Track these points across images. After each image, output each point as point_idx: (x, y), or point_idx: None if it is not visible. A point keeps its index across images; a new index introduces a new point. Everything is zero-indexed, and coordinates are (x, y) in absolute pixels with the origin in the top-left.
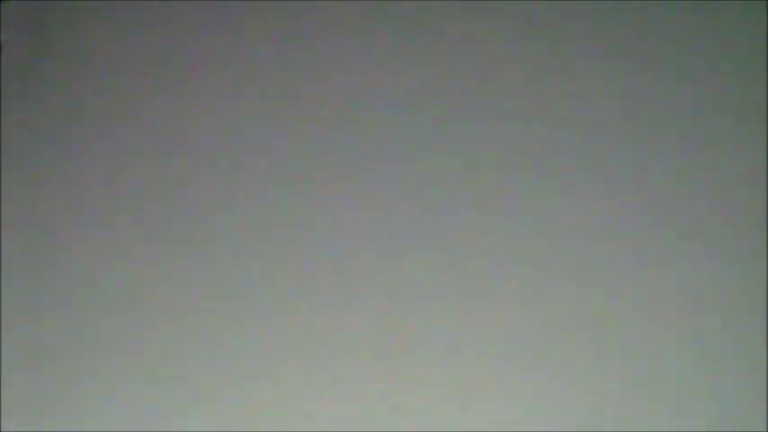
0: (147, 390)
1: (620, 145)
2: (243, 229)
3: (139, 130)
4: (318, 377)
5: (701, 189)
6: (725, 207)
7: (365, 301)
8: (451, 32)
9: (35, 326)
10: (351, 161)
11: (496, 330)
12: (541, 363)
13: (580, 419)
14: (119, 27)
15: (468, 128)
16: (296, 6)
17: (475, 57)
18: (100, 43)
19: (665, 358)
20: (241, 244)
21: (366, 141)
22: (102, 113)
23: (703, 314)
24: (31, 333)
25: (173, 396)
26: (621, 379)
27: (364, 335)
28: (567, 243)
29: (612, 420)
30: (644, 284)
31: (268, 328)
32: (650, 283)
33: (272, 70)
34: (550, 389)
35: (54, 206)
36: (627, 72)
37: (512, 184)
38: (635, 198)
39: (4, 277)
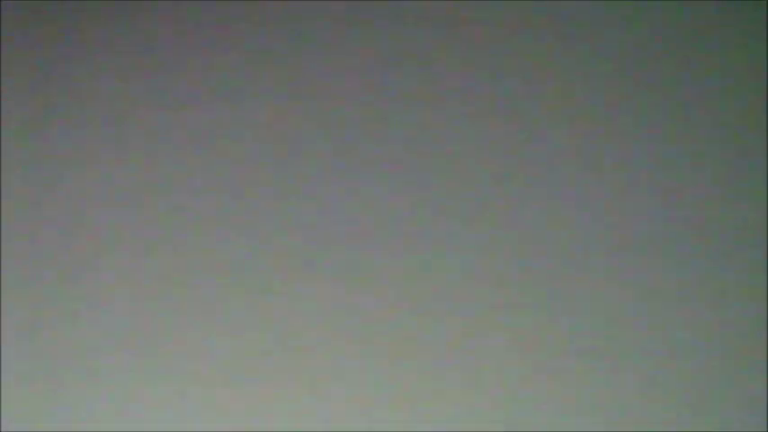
0: (147, 389)
1: (621, 145)
2: (243, 230)
3: (140, 130)
4: (319, 376)
5: (701, 189)
6: (725, 207)
7: (363, 301)
8: (451, 32)
9: (35, 326)
10: (349, 161)
11: (495, 330)
12: (539, 363)
13: (579, 420)
14: (118, 27)
15: (467, 128)
16: (296, 6)
17: (474, 57)
18: (100, 43)
19: (665, 358)
20: (241, 244)
21: (364, 141)
22: (102, 113)
23: (703, 314)
24: (31, 333)
25: (173, 396)
26: (621, 379)
27: (362, 335)
28: (566, 243)
29: (612, 420)
30: (643, 285)
31: (267, 329)
32: (650, 284)
33: (272, 70)
34: (549, 389)
35: (54, 206)
36: (626, 72)
37: (512, 183)
38: (634, 198)
39: (4, 278)
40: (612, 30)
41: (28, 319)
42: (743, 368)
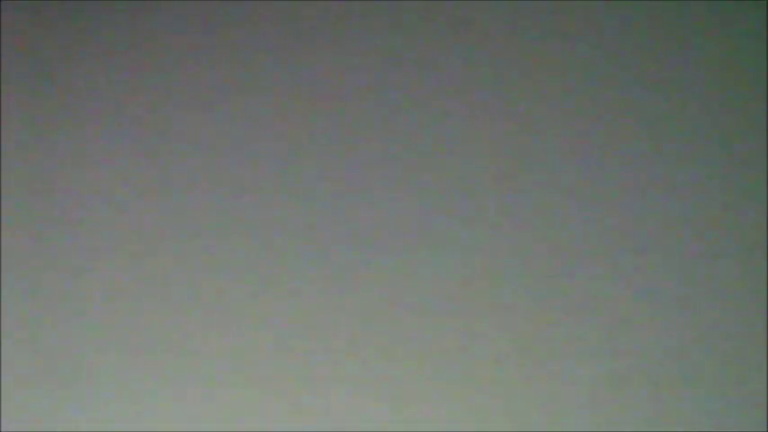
0: (147, 390)
1: (620, 145)
2: (242, 230)
3: (139, 130)
4: (319, 376)
5: (701, 189)
6: (725, 207)
7: (363, 301)
8: (450, 33)
9: (35, 326)
10: (351, 160)
11: (494, 329)
12: (539, 362)
13: (579, 419)
14: (119, 27)
15: (466, 128)
16: (296, 6)
17: (474, 56)
18: (100, 43)
19: (665, 358)
20: (241, 244)
21: (363, 142)
22: (103, 113)
23: (703, 314)
24: (31, 333)
25: (173, 396)
26: (621, 379)
27: (363, 335)
28: (565, 243)
29: (612, 420)
30: (643, 285)
31: (266, 329)
32: (650, 284)
33: (272, 70)
34: (549, 388)
35: (54, 206)
36: (627, 72)
37: (512, 184)
38: (634, 198)
39: (4, 278)
40: (612, 30)
41: (28, 319)
42: (743, 368)
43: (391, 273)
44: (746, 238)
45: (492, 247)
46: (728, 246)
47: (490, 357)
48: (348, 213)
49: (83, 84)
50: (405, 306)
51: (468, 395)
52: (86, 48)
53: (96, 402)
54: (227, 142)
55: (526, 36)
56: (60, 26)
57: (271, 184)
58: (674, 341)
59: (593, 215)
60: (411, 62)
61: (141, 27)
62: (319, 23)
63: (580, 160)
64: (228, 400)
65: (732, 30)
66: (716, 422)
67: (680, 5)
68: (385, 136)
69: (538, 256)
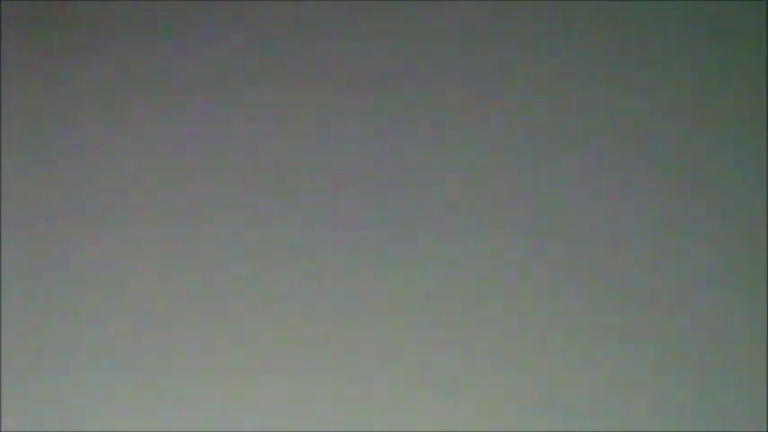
0: (146, 390)
1: (621, 145)
2: (242, 231)
3: (139, 131)
4: (324, 376)
5: (702, 189)
6: (725, 206)
7: (365, 302)
8: (452, 34)
9: (35, 326)
10: (348, 160)
11: (495, 330)
12: (540, 362)
13: (579, 419)
14: (119, 27)
15: (468, 128)
16: (296, 7)
17: (474, 58)
18: (100, 43)
19: (665, 358)
20: (239, 245)
21: (362, 142)
22: (103, 113)
23: (703, 314)
24: (31, 333)
25: (172, 396)
26: (621, 379)
27: (364, 336)
28: (565, 243)
29: (612, 420)
30: (643, 285)
31: (263, 332)
32: (649, 284)
33: (274, 68)
34: (550, 388)
35: (54, 207)
36: (627, 71)
37: (512, 183)
38: (634, 197)
39: (4, 278)
40: (612, 29)
41: (28, 319)
42: (743, 368)
43: (398, 268)
44: (746, 239)
45: (497, 248)
46: (729, 246)
47: (490, 356)
48: (355, 209)
49: (83, 82)
50: (412, 301)
51: (477, 394)
52: (87, 47)
53: (97, 402)
54: (229, 141)
55: (526, 35)
56: (61, 26)
57: (273, 182)
58: (674, 341)
59: (589, 213)
60: (415, 60)
61: (141, 26)
62: (320, 20)
63: (580, 161)
64: (229, 401)
65: (732, 30)
66: (716, 422)
67: (680, 5)
68: (387, 133)
69: (538, 256)
